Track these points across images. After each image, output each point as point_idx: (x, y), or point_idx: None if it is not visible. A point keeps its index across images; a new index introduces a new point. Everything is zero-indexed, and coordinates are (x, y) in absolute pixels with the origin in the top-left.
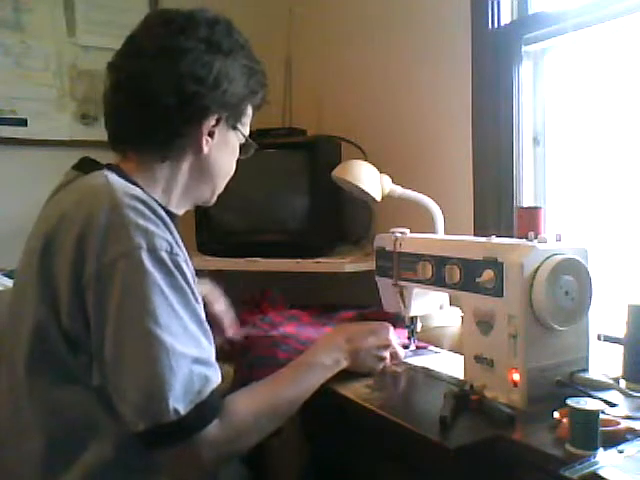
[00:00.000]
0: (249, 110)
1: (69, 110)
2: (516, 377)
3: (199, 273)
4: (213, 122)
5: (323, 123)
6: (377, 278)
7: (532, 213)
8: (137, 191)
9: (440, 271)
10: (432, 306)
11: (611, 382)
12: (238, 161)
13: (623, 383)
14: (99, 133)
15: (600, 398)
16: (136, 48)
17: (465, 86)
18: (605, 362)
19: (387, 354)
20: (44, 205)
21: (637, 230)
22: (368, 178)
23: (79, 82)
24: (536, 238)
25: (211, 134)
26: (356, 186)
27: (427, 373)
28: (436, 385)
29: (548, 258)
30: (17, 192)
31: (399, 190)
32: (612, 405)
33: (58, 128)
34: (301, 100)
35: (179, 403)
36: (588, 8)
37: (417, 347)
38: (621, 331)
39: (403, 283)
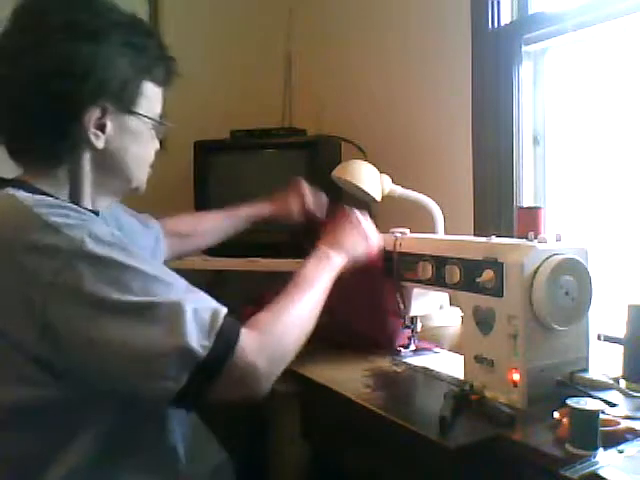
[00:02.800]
0: (147, 89)
1: None
2: (516, 377)
3: (200, 273)
4: (97, 114)
5: (323, 123)
6: None
7: (532, 213)
8: (49, 200)
9: (440, 271)
10: (432, 306)
11: (611, 382)
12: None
13: (623, 383)
14: None
15: (600, 398)
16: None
17: (465, 86)
18: (605, 362)
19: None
20: None
21: (637, 230)
22: (368, 178)
23: None
24: (536, 238)
25: (101, 126)
26: (356, 186)
27: (427, 373)
28: (436, 385)
29: (548, 258)
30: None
31: (399, 190)
32: (612, 405)
33: None
34: (301, 100)
35: (202, 339)
36: (588, 8)
37: (418, 347)
38: (621, 331)
39: (403, 283)
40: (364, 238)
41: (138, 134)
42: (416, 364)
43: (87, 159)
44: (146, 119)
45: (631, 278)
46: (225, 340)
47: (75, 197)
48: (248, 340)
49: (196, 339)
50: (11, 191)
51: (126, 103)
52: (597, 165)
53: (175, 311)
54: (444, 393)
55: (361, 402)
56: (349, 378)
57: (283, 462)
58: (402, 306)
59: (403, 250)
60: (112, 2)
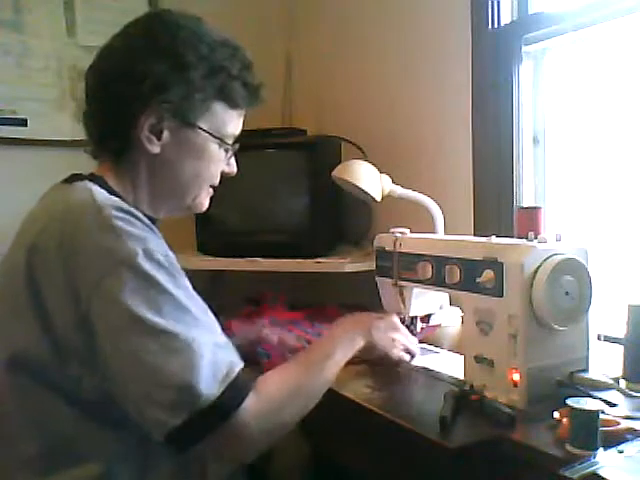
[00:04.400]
0: (217, 108)
1: (69, 110)
2: (516, 377)
3: (200, 273)
4: (153, 120)
5: (323, 123)
6: (377, 278)
7: (532, 213)
8: (120, 203)
9: (440, 271)
10: (432, 306)
11: (611, 382)
12: (235, 158)
13: (623, 383)
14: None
15: (600, 398)
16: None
17: (465, 86)
18: (605, 362)
19: (400, 337)
20: (27, 217)
21: (637, 230)
22: (368, 178)
23: (79, 82)
24: (536, 238)
25: (157, 133)
26: (356, 186)
27: (427, 373)
28: (436, 385)
29: (548, 258)
30: (17, 192)
31: (399, 190)
32: (612, 405)
33: (58, 128)
34: (301, 100)
35: (211, 386)
36: (588, 8)
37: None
38: (621, 331)
39: (403, 283)
40: (398, 341)
41: (199, 150)
42: (416, 364)
43: (144, 163)
44: (207, 135)
45: (631, 278)
46: (233, 395)
47: (135, 198)
48: (252, 403)
49: (206, 384)
50: (89, 185)
51: (186, 115)
52: (597, 165)
53: (194, 349)
54: (444, 393)
55: (361, 402)
56: (349, 378)
57: (283, 462)
58: (402, 306)
59: (403, 250)
60: (201, 24)
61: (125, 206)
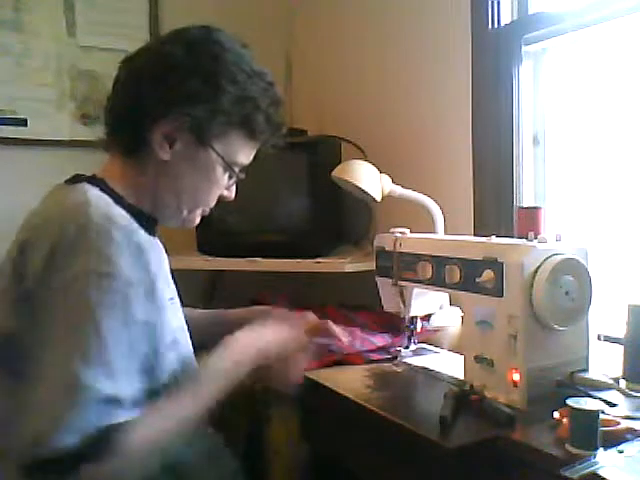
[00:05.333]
0: (234, 135)
1: (69, 110)
2: (516, 377)
3: (200, 273)
4: (169, 128)
5: (323, 123)
6: (377, 278)
7: (532, 213)
8: (115, 211)
9: (440, 271)
10: (432, 306)
11: (611, 382)
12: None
13: (623, 383)
14: (99, 133)
15: (600, 398)
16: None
17: (465, 86)
18: (605, 362)
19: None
20: (27, 215)
21: (637, 230)
22: (368, 178)
23: (79, 82)
24: (536, 238)
25: (171, 141)
26: (356, 186)
27: (427, 373)
28: (436, 385)
29: (548, 258)
30: (17, 192)
31: (399, 190)
32: (612, 405)
33: (58, 128)
34: (301, 100)
35: (70, 436)
36: (588, 8)
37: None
38: (621, 331)
39: (403, 283)
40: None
41: (205, 168)
42: (416, 364)
43: (152, 166)
44: (218, 157)
45: (631, 278)
46: (90, 452)
47: (138, 198)
48: (101, 469)
49: (62, 434)
50: (86, 187)
51: (203, 133)
52: (597, 165)
53: (77, 393)
54: (444, 393)
55: (361, 402)
56: (349, 378)
57: (283, 462)
58: (402, 306)
59: (403, 250)
60: (246, 51)
61: (115, 214)
